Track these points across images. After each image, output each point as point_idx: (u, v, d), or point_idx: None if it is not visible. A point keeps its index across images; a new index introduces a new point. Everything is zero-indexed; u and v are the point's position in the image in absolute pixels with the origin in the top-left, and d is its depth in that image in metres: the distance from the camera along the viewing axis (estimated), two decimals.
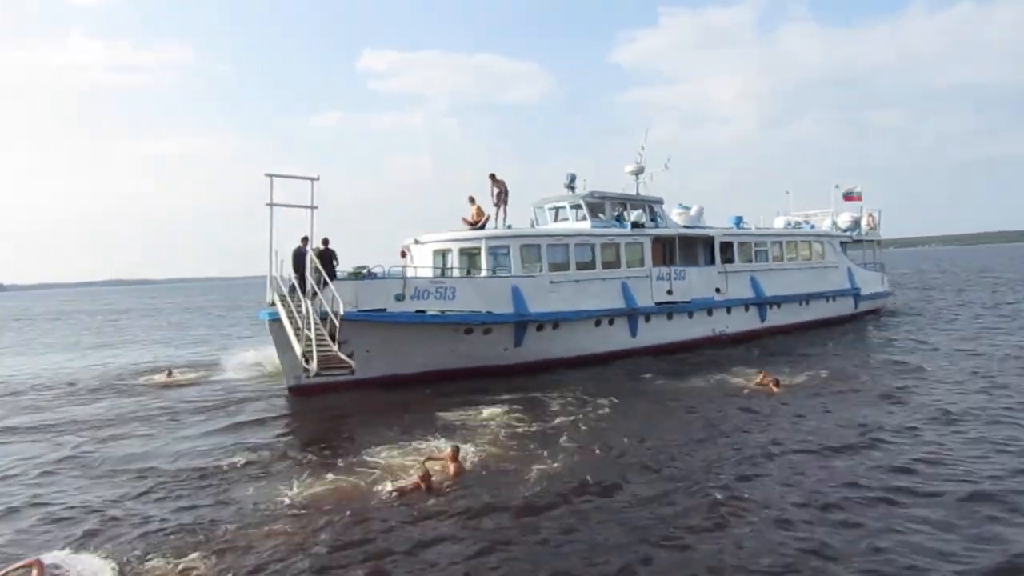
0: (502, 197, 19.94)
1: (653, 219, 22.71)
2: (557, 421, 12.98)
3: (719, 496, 8.69)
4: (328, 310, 14.82)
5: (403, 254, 20.24)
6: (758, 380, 15.36)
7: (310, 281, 15.55)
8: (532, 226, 22.25)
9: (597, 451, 11.00)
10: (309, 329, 14.19)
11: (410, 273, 18.15)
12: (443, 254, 19.63)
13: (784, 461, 10.16)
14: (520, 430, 12.39)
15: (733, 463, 10.13)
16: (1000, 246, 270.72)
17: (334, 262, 16.61)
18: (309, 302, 14.71)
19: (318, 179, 16.36)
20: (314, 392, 16.25)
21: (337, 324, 14.74)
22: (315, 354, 13.80)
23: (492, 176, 20.08)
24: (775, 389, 14.62)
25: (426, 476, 9.43)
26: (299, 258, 16.11)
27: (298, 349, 14.36)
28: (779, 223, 28.79)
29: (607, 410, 13.79)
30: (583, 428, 12.49)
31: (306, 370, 14.01)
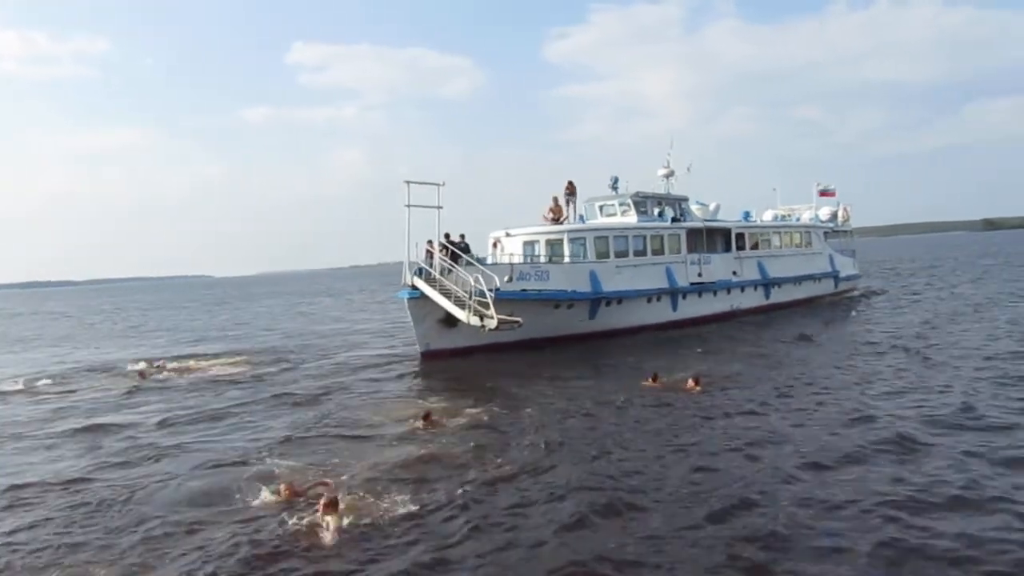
0: (573, 199, 24.52)
1: (682, 214, 27.44)
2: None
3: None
4: (484, 287, 18.78)
5: (495, 244, 24.36)
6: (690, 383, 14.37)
7: (472, 261, 20.04)
8: (582, 220, 26.61)
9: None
10: (483, 296, 18.37)
11: (505, 260, 22.34)
12: (532, 244, 23.86)
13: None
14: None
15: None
16: (914, 237, 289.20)
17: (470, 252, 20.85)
18: (472, 278, 18.76)
19: (443, 184, 20.48)
20: (439, 357, 20.37)
21: (491, 302, 18.74)
22: (494, 313, 17.98)
23: (569, 182, 24.63)
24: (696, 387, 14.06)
25: None
26: (443, 248, 20.16)
27: (461, 314, 18.48)
28: (768, 216, 33.87)
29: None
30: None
31: (482, 325, 18.09)
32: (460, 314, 18.67)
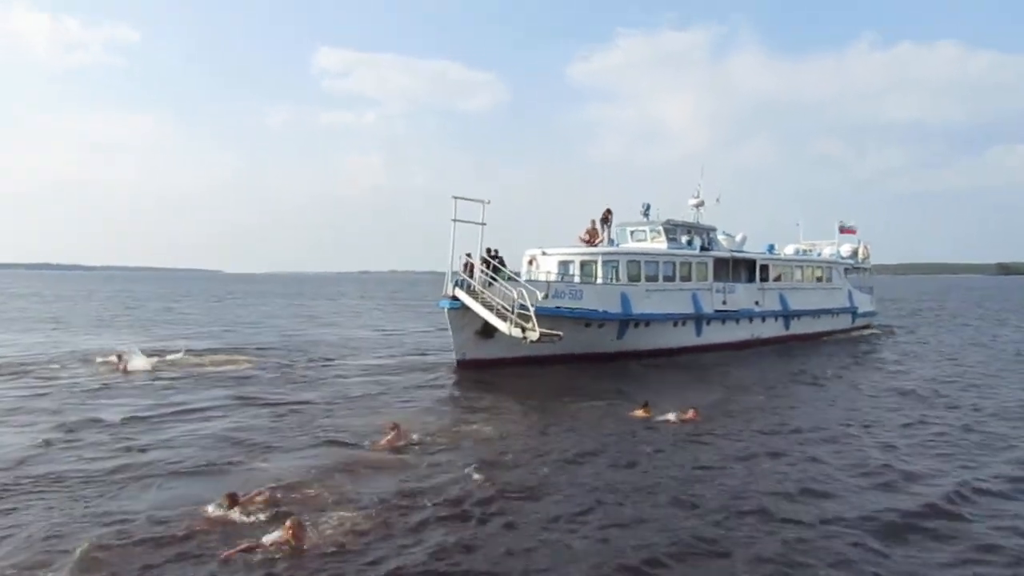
0: (608, 224, 25.72)
1: (710, 243, 28.52)
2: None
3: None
4: (527, 301, 19.84)
5: (530, 262, 25.47)
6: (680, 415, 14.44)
7: (514, 277, 21.27)
8: (612, 243, 27.69)
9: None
10: (526, 309, 19.53)
11: (540, 277, 23.44)
12: (566, 264, 24.94)
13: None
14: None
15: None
16: (931, 277, 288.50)
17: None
18: (515, 292, 19.87)
19: (489, 202, 21.66)
20: (475, 366, 21.46)
21: (533, 316, 19.77)
22: (536, 325, 19.09)
23: (608, 210, 25.92)
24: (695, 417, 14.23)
25: None
26: (485, 262, 21.28)
27: (503, 326, 19.57)
28: (790, 250, 34.82)
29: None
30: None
31: (524, 336, 19.17)
32: (502, 326, 19.75)
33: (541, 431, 13.53)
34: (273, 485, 9.37)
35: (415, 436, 12.42)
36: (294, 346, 27.28)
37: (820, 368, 22.80)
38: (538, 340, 19.23)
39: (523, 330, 19.31)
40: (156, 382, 18.45)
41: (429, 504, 8.98)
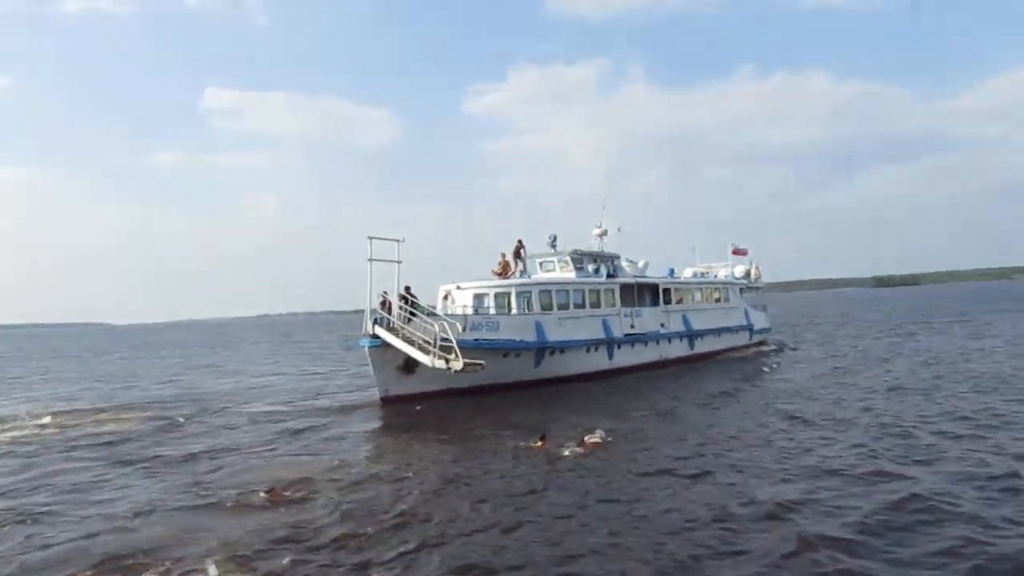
0: (521, 256, 26.65)
1: (615, 270, 29.88)
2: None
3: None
4: (448, 334, 20.32)
5: (445, 297, 25.97)
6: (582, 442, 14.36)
7: (439, 310, 22.16)
8: (523, 275, 28.59)
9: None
10: (448, 341, 20.03)
11: (456, 311, 24.00)
12: (481, 297, 25.59)
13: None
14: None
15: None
16: (813, 292, 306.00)
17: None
18: (437, 326, 20.37)
19: (403, 240, 22.19)
20: (398, 401, 21.75)
21: (455, 344, 20.24)
22: (460, 355, 19.62)
23: (519, 242, 26.82)
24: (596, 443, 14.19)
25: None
26: (404, 299, 21.66)
27: (426, 359, 20.00)
28: (688, 273, 36.77)
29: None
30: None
31: (448, 367, 19.61)
32: (425, 359, 20.16)
33: (438, 472, 13.18)
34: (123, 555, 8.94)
35: (321, 479, 12.38)
36: (194, 397, 26.32)
37: (721, 385, 23.65)
38: (462, 370, 19.75)
39: (446, 361, 19.78)
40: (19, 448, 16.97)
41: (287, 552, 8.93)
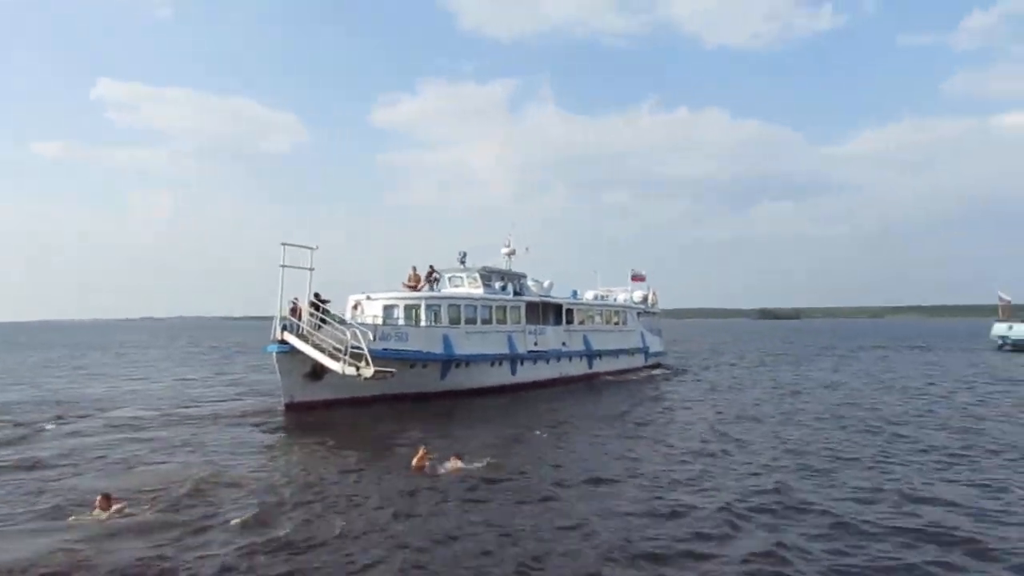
0: (432, 280, 27.52)
1: (522, 289, 30.94)
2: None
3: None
4: (359, 341, 20.67)
5: (355, 307, 26.23)
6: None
7: (348, 319, 22.41)
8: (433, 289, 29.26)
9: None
10: (358, 348, 20.39)
11: (367, 321, 24.36)
12: (391, 308, 26.02)
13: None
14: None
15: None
16: (704, 320, 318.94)
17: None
18: (349, 333, 20.70)
19: (316, 248, 22.44)
20: (303, 408, 21.91)
21: (367, 354, 20.60)
22: (371, 361, 20.06)
23: (431, 267, 28.03)
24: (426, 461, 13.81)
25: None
26: (315, 306, 21.87)
27: (336, 366, 20.29)
28: (589, 295, 38.29)
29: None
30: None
31: (358, 373, 19.94)
32: (335, 365, 20.47)
33: (315, 481, 13.13)
34: None
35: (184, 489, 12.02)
36: (59, 400, 25.38)
37: (614, 406, 24.26)
38: (372, 377, 20.18)
39: (357, 368, 20.16)
40: None
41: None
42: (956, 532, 9.94)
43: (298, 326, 21.76)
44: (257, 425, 19.94)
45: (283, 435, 18.87)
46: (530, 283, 32.67)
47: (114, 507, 10.80)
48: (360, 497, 11.89)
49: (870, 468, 14.15)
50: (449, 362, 25.31)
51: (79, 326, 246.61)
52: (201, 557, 8.90)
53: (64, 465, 14.56)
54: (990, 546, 9.35)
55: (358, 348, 20.54)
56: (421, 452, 14.00)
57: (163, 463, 14.79)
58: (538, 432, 18.59)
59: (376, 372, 20.21)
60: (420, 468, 13.59)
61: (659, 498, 11.83)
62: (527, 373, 29.06)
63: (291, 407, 21.92)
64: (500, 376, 27.76)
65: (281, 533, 9.82)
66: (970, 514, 10.86)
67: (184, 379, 34.49)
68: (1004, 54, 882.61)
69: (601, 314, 35.32)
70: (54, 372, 40.17)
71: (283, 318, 21.88)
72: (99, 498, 10.87)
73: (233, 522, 10.26)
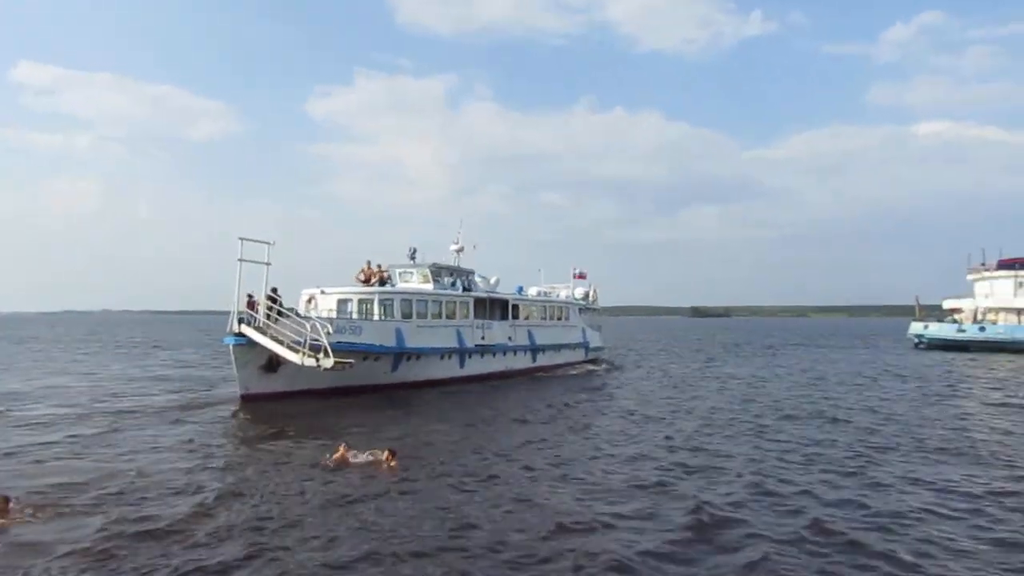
0: (383, 277, 28.54)
1: (470, 284, 32.09)
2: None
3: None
4: (319, 333, 21.47)
5: (309, 300, 26.93)
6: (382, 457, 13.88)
7: (302, 313, 23.19)
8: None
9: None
10: (317, 340, 21.19)
11: (314, 314, 25.08)
12: (345, 302, 26.81)
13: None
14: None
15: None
16: (637, 318, 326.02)
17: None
18: (308, 325, 21.51)
19: (273, 244, 23.16)
20: (258, 399, 22.60)
21: (327, 345, 21.41)
22: (330, 351, 20.96)
23: (383, 271, 29.16)
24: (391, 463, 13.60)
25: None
26: (271, 299, 22.59)
27: (294, 357, 21.08)
28: (532, 291, 39.70)
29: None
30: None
31: (318, 364, 20.76)
32: (294, 357, 21.23)
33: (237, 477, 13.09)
34: None
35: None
36: None
37: (557, 397, 25.55)
38: (332, 368, 21.04)
39: (316, 360, 20.99)
40: None
41: None
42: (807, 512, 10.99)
43: (254, 319, 22.44)
44: (176, 422, 19.35)
45: (198, 429, 18.19)
46: (478, 279, 33.81)
47: (12, 510, 10.09)
48: (278, 493, 11.76)
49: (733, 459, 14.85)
50: (401, 355, 26.28)
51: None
52: (100, 561, 8.59)
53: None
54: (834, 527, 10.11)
55: (317, 340, 21.36)
56: (341, 448, 14.02)
57: (77, 460, 14.21)
58: (481, 423, 19.47)
59: (336, 363, 21.07)
60: (340, 462, 13.60)
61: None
62: (475, 366, 30.23)
63: (246, 398, 22.58)
64: (449, 369, 28.86)
65: (198, 532, 9.65)
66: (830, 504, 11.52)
67: (105, 374, 33.35)
68: (922, 66, 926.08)
69: (545, 310, 36.73)
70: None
71: (240, 312, 22.53)
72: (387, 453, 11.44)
73: (146, 524, 9.93)
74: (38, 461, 14.13)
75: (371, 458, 13.79)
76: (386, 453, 13.76)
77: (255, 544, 9.20)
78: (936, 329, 57.80)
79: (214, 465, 14.03)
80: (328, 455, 14.06)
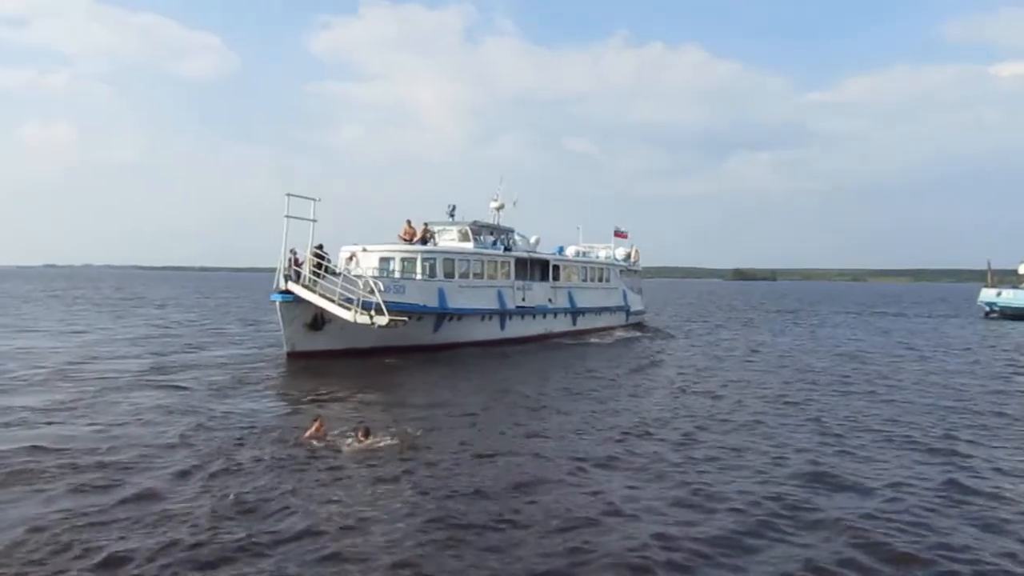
0: (426, 234, 29.00)
1: (510, 244, 32.41)
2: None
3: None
4: (375, 290, 22.35)
5: (350, 258, 27.51)
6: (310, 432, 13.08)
7: (360, 270, 24.31)
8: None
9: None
10: (373, 297, 22.13)
11: (364, 273, 25.63)
12: (388, 260, 27.36)
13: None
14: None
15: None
16: (676, 281, 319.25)
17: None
18: (361, 283, 22.42)
19: (319, 200, 23.68)
20: (304, 357, 23.33)
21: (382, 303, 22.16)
22: (385, 310, 21.77)
23: (426, 229, 29.50)
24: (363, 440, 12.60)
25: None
26: (318, 257, 23.18)
27: (347, 314, 21.83)
28: (571, 251, 39.70)
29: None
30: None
31: (372, 322, 21.58)
32: (346, 314, 21.91)
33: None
34: None
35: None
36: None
37: (599, 363, 25.08)
38: (386, 325, 21.72)
39: (371, 317, 21.64)
40: None
41: None
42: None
43: (300, 276, 23.04)
44: (163, 387, 18.38)
45: (181, 397, 17.15)
46: (517, 238, 34.08)
47: None
48: (255, 466, 11.23)
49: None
50: (443, 315, 26.81)
51: None
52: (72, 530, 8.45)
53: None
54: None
55: (370, 298, 22.02)
56: (317, 423, 13.36)
57: (50, 426, 13.69)
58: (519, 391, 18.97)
59: (390, 321, 21.74)
60: (315, 438, 12.91)
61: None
62: (515, 328, 30.68)
63: (292, 355, 23.35)
64: (490, 331, 29.35)
65: (175, 503, 9.43)
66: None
67: (87, 334, 31.98)
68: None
69: (586, 271, 36.95)
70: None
71: (285, 268, 23.14)
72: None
73: (120, 494, 9.72)
74: (15, 426, 13.65)
75: (347, 437, 12.90)
76: (360, 432, 12.85)
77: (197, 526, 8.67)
78: (1011, 296, 53.77)
79: (184, 432, 13.36)
80: (305, 432, 13.20)
